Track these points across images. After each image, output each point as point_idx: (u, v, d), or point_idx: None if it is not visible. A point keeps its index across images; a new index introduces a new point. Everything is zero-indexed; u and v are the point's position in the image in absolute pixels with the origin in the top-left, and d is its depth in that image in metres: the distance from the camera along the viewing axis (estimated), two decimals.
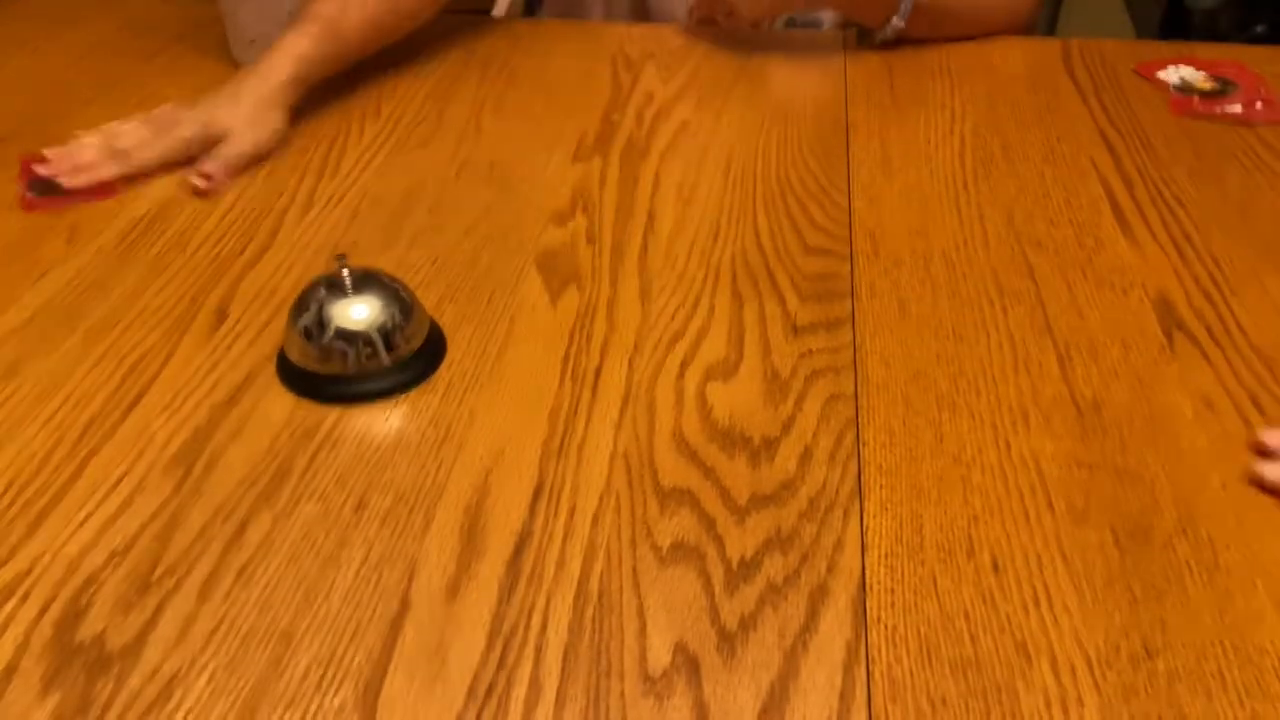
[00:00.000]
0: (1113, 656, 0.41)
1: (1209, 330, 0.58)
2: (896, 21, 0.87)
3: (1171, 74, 0.86)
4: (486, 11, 1.02)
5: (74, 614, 0.43)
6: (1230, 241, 0.66)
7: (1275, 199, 0.70)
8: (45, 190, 0.71)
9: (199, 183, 0.71)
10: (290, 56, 0.77)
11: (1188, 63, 0.88)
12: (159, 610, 0.43)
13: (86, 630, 0.42)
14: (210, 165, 0.72)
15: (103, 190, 0.72)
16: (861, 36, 0.92)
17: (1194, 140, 0.77)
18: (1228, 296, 0.61)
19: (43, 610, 0.43)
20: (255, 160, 0.75)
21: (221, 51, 0.91)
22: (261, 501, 0.48)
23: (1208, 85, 0.84)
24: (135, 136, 0.74)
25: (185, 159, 0.74)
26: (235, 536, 0.46)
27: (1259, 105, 0.81)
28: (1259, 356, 0.56)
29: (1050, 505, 0.47)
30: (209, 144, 0.74)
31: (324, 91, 0.86)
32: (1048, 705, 0.39)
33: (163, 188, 0.72)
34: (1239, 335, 0.57)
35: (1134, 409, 0.53)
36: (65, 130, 0.80)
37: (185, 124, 0.74)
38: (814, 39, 0.96)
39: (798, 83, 0.86)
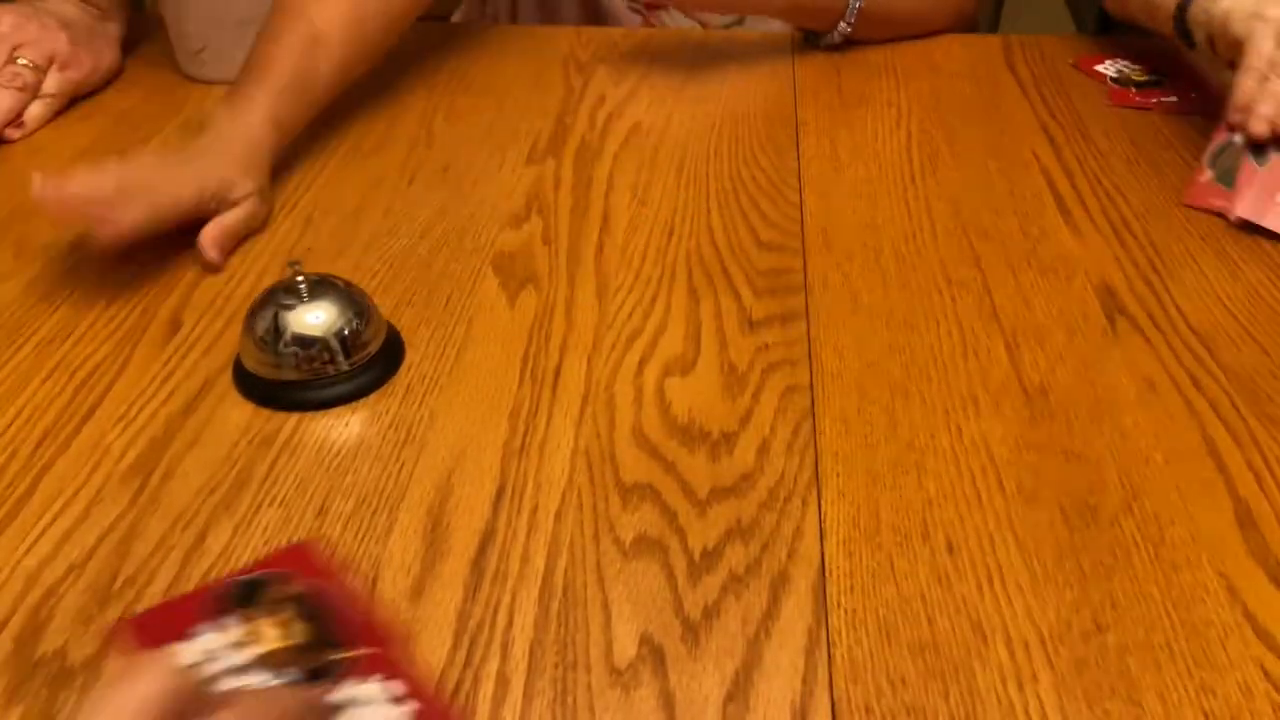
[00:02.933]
0: (1065, 632, 0.42)
1: (1149, 314, 0.60)
2: (843, 27, 0.89)
3: (1109, 67, 0.89)
4: (435, 19, 1.02)
5: (34, 628, 0.42)
6: (1168, 227, 0.68)
7: None
8: None
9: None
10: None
11: (1124, 56, 0.90)
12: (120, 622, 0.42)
13: (48, 644, 0.41)
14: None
15: None
16: (809, 39, 0.93)
17: (1131, 130, 0.79)
18: (1166, 281, 0.62)
19: (2, 625, 0.42)
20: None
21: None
22: (221, 510, 0.47)
23: (1144, 77, 0.87)
24: None
25: None
26: (195, 545, 0.46)
27: (1193, 94, 0.83)
28: (1197, 337, 0.58)
29: (1001, 487, 0.48)
30: None
31: None
32: (1003, 681, 0.40)
33: None
34: (1178, 318, 0.59)
35: (1079, 391, 0.54)
36: (11, 143, 0.78)
37: None
38: (763, 41, 0.97)
39: (747, 83, 0.87)
